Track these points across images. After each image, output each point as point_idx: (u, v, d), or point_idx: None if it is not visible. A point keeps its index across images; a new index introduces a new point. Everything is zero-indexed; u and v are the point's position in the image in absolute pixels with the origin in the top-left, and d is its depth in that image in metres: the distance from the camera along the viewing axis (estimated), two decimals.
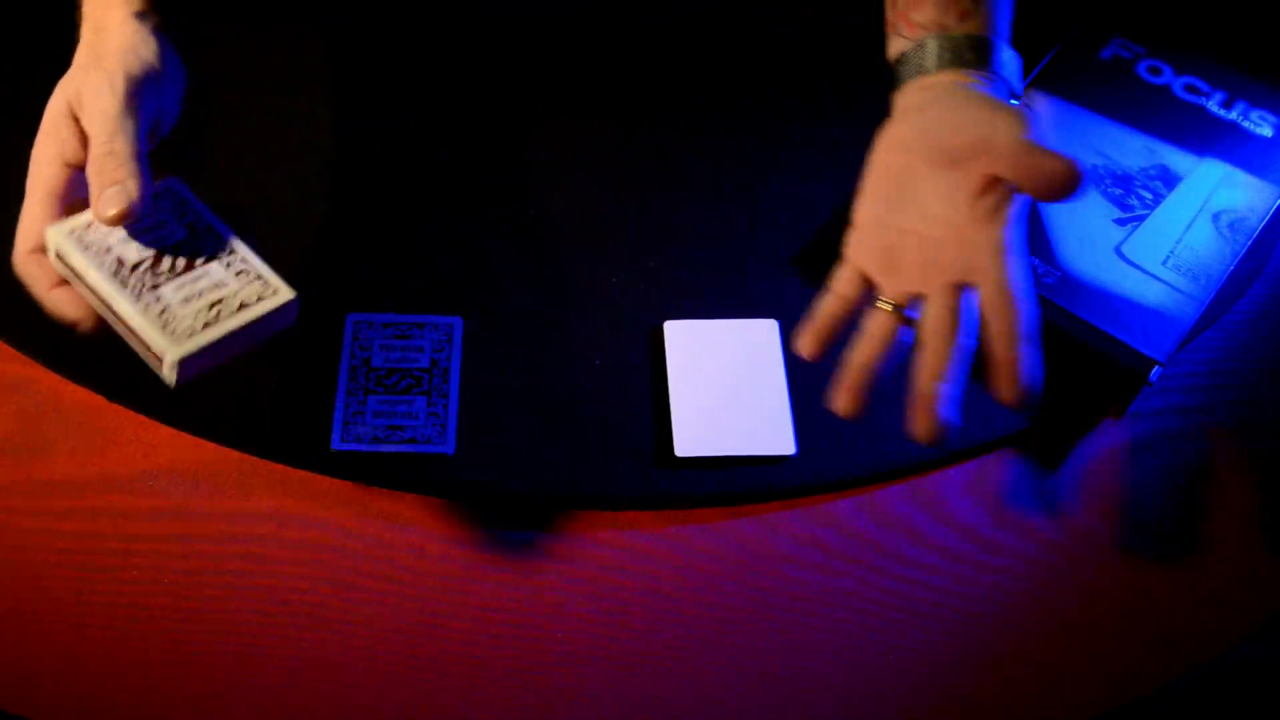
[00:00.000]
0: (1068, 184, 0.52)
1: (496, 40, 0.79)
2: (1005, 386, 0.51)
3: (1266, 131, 0.76)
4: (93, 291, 0.54)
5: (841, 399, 0.55)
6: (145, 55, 0.57)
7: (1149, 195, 0.72)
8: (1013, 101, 0.58)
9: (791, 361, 0.68)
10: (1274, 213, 0.72)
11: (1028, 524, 0.66)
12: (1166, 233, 0.70)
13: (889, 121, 0.60)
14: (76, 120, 0.55)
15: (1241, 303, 0.74)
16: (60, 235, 0.54)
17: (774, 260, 0.72)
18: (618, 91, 0.78)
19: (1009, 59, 0.59)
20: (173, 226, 0.56)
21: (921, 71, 0.60)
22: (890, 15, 0.63)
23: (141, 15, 0.58)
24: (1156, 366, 0.66)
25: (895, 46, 0.62)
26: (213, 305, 0.54)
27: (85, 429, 0.64)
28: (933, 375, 0.52)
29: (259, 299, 0.55)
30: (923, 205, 0.56)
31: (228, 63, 0.76)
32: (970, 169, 0.54)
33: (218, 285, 0.55)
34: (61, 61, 0.75)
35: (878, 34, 0.75)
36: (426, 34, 0.79)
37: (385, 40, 0.78)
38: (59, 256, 0.54)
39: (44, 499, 0.62)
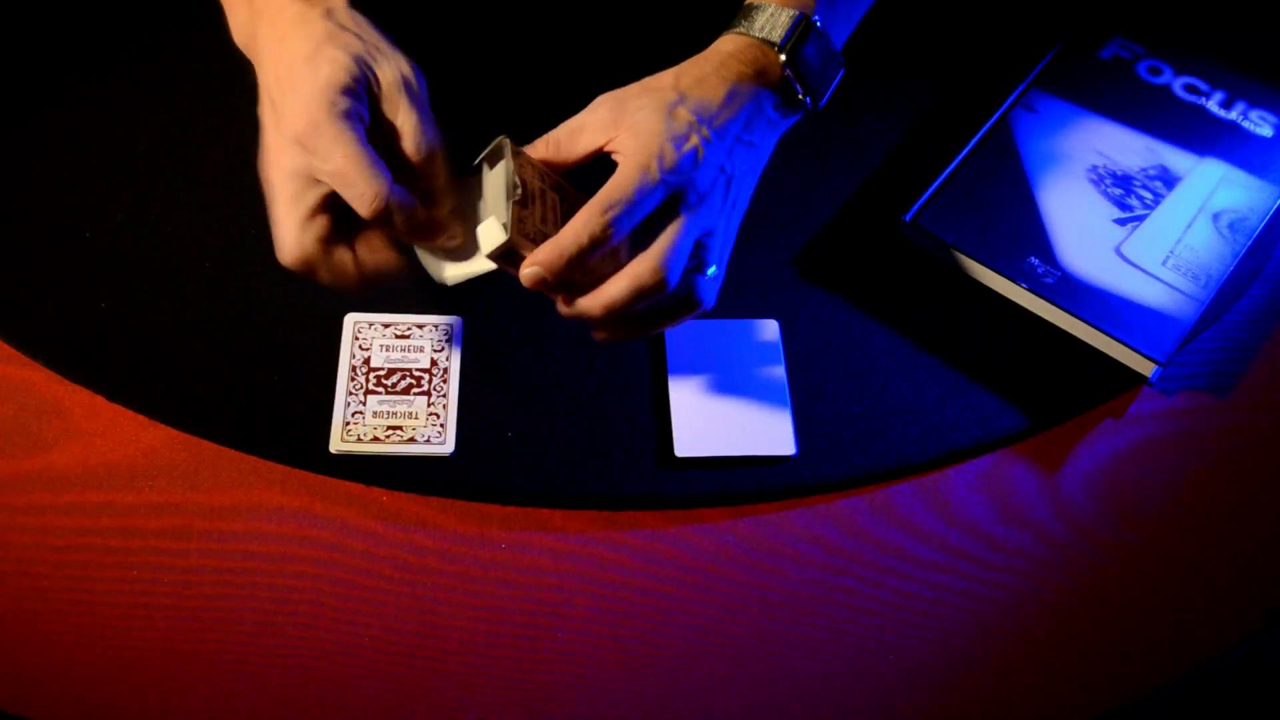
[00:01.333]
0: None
1: (495, 38, 0.79)
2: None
3: (1266, 131, 0.76)
4: None
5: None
6: (382, 43, 0.59)
7: (1149, 195, 0.72)
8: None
9: (792, 361, 0.68)
10: (1274, 213, 0.72)
11: (1026, 525, 0.66)
12: (1166, 233, 0.70)
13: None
14: (377, 101, 0.57)
15: (1241, 303, 0.74)
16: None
17: (774, 260, 0.72)
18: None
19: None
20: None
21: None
22: None
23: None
24: (1156, 366, 0.66)
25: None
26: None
27: (85, 429, 0.64)
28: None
29: None
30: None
31: (226, 61, 0.76)
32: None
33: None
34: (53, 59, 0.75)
35: (879, 36, 0.75)
36: (427, 30, 0.79)
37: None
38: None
39: (44, 499, 0.62)
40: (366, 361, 0.66)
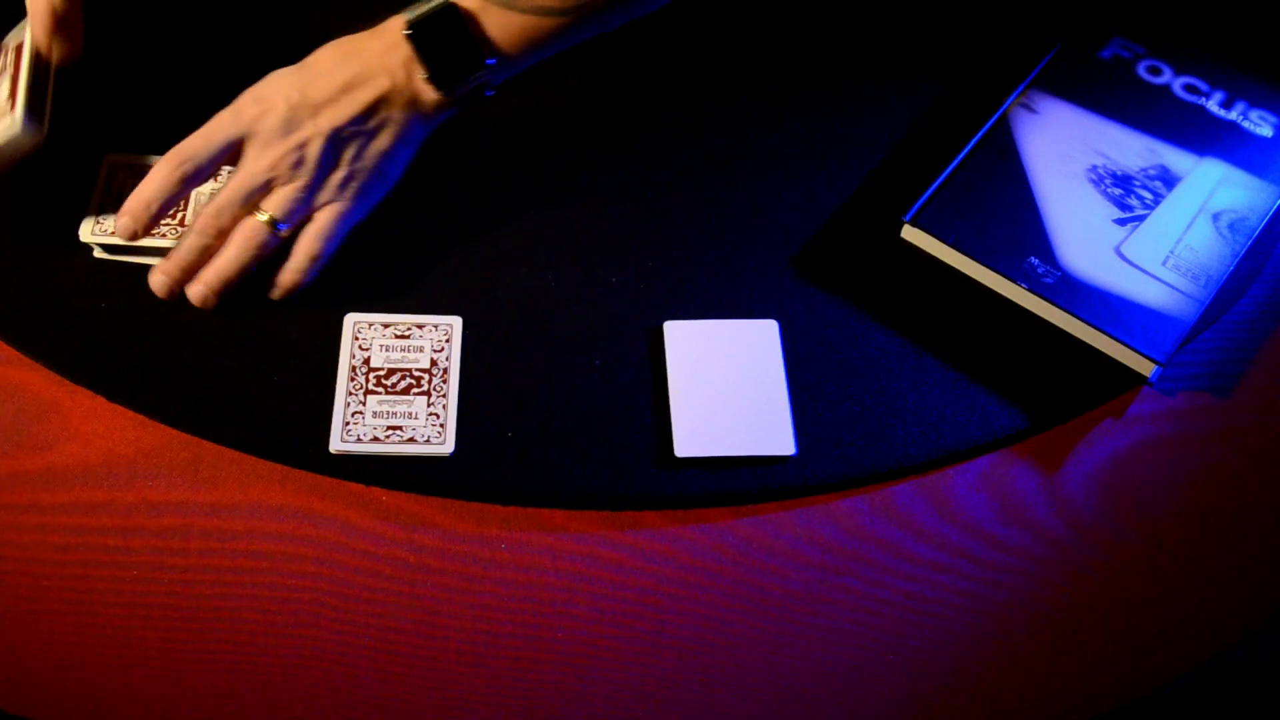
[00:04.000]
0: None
1: None
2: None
3: (1266, 131, 0.76)
4: None
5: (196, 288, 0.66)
6: None
7: (1149, 195, 0.72)
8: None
9: (791, 361, 0.68)
10: (1274, 213, 0.72)
11: (1026, 525, 0.66)
12: (1166, 233, 0.70)
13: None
14: None
15: (1241, 303, 0.74)
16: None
17: (774, 260, 0.72)
18: (617, 91, 0.78)
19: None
20: None
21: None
22: None
23: None
24: (1156, 366, 0.66)
25: None
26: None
27: (85, 429, 0.64)
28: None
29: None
30: None
31: (227, 59, 0.76)
32: None
33: None
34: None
35: (879, 35, 0.75)
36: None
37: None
38: None
39: (44, 498, 0.62)
40: (366, 361, 0.66)
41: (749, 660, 0.61)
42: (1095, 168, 0.73)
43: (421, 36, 0.64)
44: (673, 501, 0.65)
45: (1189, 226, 0.71)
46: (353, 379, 0.65)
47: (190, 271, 0.66)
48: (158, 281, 0.66)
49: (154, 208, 0.64)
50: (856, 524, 0.65)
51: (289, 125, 0.64)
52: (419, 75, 0.65)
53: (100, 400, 0.65)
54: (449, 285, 0.70)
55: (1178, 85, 0.78)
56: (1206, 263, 0.70)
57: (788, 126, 0.78)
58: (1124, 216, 0.71)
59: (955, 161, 0.73)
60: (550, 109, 0.77)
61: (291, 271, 0.67)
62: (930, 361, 0.69)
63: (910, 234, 0.71)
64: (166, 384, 0.65)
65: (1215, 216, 0.72)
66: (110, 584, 0.61)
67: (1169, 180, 0.73)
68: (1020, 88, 0.76)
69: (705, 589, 0.63)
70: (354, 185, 0.67)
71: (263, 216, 0.65)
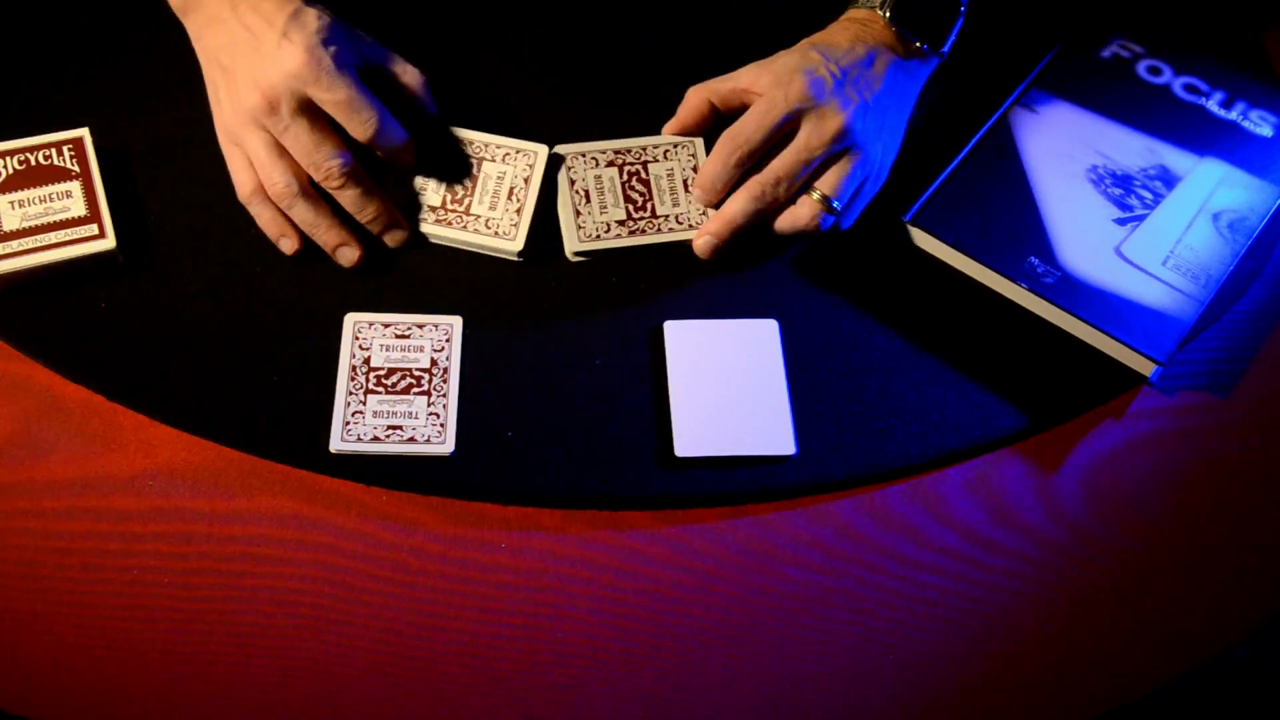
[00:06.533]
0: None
1: (496, 38, 0.79)
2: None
3: (1266, 131, 0.76)
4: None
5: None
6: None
7: (1149, 195, 0.72)
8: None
9: (791, 361, 0.68)
10: (1274, 213, 0.72)
11: (1027, 524, 0.66)
12: (1166, 233, 0.70)
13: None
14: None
15: (1241, 303, 0.74)
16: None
17: (774, 260, 0.72)
18: (618, 85, 0.78)
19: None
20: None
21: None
22: None
23: None
24: (1156, 366, 0.66)
25: None
26: (510, 194, 0.69)
27: (85, 429, 0.64)
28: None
29: (527, 165, 0.70)
30: None
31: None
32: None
33: (496, 177, 0.69)
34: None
35: None
36: (425, 29, 0.79)
37: (385, 35, 0.78)
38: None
39: (44, 499, 0.62)
40: (366, 361, 0.66)
41: (748, 660, 0.61)
42: (1095, 168, 0.73)
43: (899, 12, 0.71)
44: (673, 501, 0.65)
45: (1189, 226, 0.71)
46: (353, 379, 0.65)
47: (739, 233, 0.69)
48: (704, 244, 0.69)
49: (719, 188, 0.68)
50: (856, 525, 0.65)
51: (841, 97, 0.68)
52: (913, 44, 0.72)
53: (101, 400, 0.65)
54: (449, 285, 0.70)
55: (1178, 85, 0.78)
56: (1206, 263, 0.70)
57: None
58: (1124, 216, 0.71)
59: (955, 161, 0.73)
60: (550, 109, 0.77)
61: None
62: (930, 361, 0.69)
63: (910, 234, 0.71)
64: (167, 384, 0.65)
65: (1215, 216, 0.72)
66: (110, 585, 0.61)
67: (1169, 180, 0.73)
68: (1020, 88, 0.76)
69: (705, 589, 0.63)
70: (890, 143, 0.72)
71: (816, 195, 0.68)
